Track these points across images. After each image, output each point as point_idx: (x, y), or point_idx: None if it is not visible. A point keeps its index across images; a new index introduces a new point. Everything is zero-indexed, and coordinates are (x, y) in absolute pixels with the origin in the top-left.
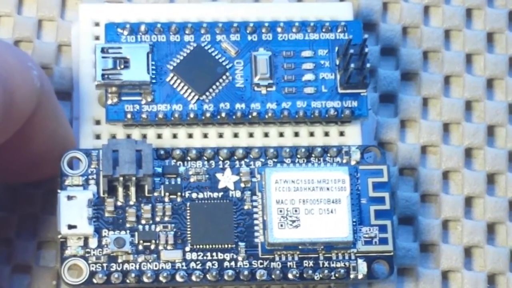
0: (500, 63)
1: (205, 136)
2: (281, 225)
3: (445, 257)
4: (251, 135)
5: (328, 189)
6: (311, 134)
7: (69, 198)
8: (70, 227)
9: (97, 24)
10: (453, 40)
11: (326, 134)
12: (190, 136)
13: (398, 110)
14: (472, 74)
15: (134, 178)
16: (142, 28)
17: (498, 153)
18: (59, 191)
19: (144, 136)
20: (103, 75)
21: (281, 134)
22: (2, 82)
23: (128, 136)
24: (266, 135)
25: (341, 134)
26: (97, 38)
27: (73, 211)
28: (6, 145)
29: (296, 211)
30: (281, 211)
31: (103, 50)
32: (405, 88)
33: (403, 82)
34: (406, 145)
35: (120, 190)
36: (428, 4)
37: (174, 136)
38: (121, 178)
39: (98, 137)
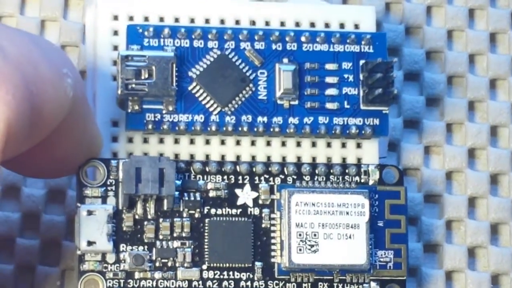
0: (503, 63)
1: (223, 142)
2: (300, 249)
3: (448, 258)
4: (268, 143)
5: (347, 213)
6: (328, 145)
7: (89, 213)
8: (90, 243)
9: (116, 18)
10: (455, 40)
11: (343, 145)
12: (207, 142)
13: (401, 111)
14: (475, 74)
15: (155, 196)
16: (165, 31)
17: (501, 153)
18: (78, 204)
19: (161, 141)
20: (126, 85)
21: (298, 144)
22: (31, 98)
23: (145, 140)
24: (283, 144)
25: (358, 145)
26: (115, 33)
27: (93, 226)
28: (28, 151)
29: (315, 235)
30: (300, 234)
31: (126, 58)
32: (407, 89)
33: (405, 83)
34: (409, 145)
35: (140, 205)
36: (430, 4)
37: (191, 141)
38: (142, 196)
39: (115, 139)
